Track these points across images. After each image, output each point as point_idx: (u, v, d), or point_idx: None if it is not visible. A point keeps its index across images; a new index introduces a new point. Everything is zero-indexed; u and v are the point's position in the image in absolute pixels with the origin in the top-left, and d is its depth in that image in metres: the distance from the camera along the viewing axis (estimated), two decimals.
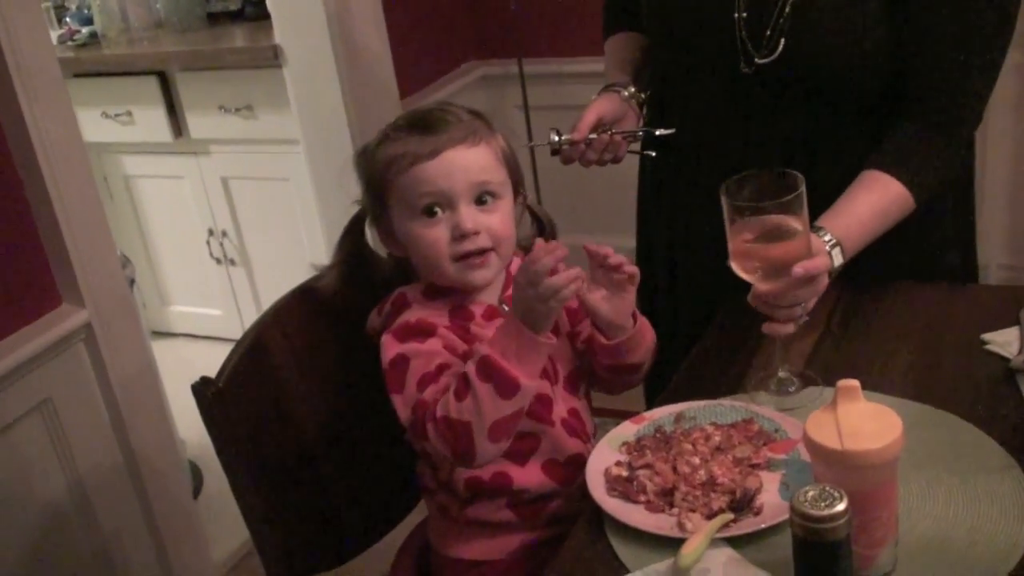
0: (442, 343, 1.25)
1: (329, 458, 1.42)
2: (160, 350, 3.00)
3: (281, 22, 2.78)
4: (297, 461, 1.38)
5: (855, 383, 0.95)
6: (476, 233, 1.25)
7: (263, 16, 3.03)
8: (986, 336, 1.35)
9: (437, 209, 1.25)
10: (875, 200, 1.38)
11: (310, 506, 1.40)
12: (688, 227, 1.63)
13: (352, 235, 1.38)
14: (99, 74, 3.23)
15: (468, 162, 1.25)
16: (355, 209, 1.39)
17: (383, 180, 1.28)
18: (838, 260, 1.32)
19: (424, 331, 1.25)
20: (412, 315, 1.27)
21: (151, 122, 3.19)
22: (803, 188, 1.19)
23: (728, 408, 1.27)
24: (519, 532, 1.33)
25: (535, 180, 3.09)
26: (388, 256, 1.39)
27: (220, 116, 3.08)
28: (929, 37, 1.39)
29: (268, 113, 3.01)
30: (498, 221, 1.27)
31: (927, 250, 1.54)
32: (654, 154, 1.61)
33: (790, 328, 1.27)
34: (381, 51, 2.82)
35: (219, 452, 1.29)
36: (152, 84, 3.13)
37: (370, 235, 1.39)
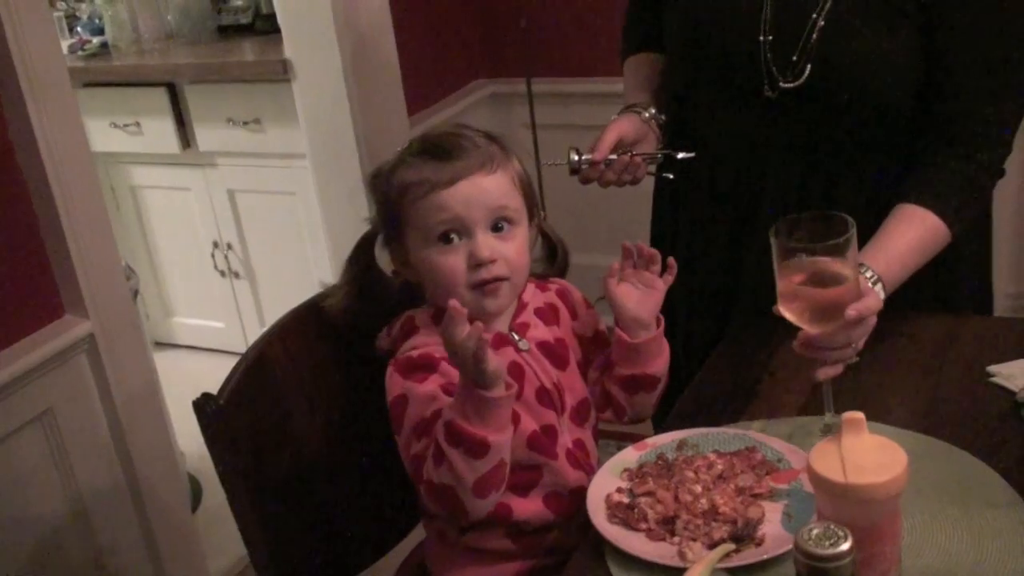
0: (442, 381, 1.24)
1: (329, 477, 1.42)
2: (162, 361, 3.00)
3: (291, 36, 2.78)
4: (297, 479, 1.38)
5: (860, 416, 0.94)
6: (493, 261, 1.25)
7: (274, 30, 3.04)
8: (992, 368, 1.35)
9: (454, 236, 1.25)
10: (913, 236, 1.38)
11: (308, 525, 1.39)
12: (707, 249, 1.62)
13: (361, 254, 1.37)
14: (109, 84, 3.24)
15: (485, 190, 1.25)
16: (363, 224, 1.38)
17: (399, 205, 1.28)
18: (880, 297, 1.30)
19: (425, 367, 1.25)
20: (416, 344, 1.27)
21: (159, 133, 3.19)
22: (854, 231, 1.17)
23: (731, 436, 1.26)
24: (516, 560, 1.32)
25: (542, 197, 3.09)
26: (395, 275, 1.39)
27: (228, 129, 3.09)
28: (962, 66, 1.39)
29: (276, 127, 3.01)
30: (514, 249, 1.27)
31: (944, 278, 1.53)
32: (672, 176, 1.60)
33: (839, 369, 1.26)
34: (390, 67, 2.83)
35: (218, 468, 1.28)
36: (161, 95, 3.13)
37: (379, 255, 1.38)
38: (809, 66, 1.41)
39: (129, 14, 3.39)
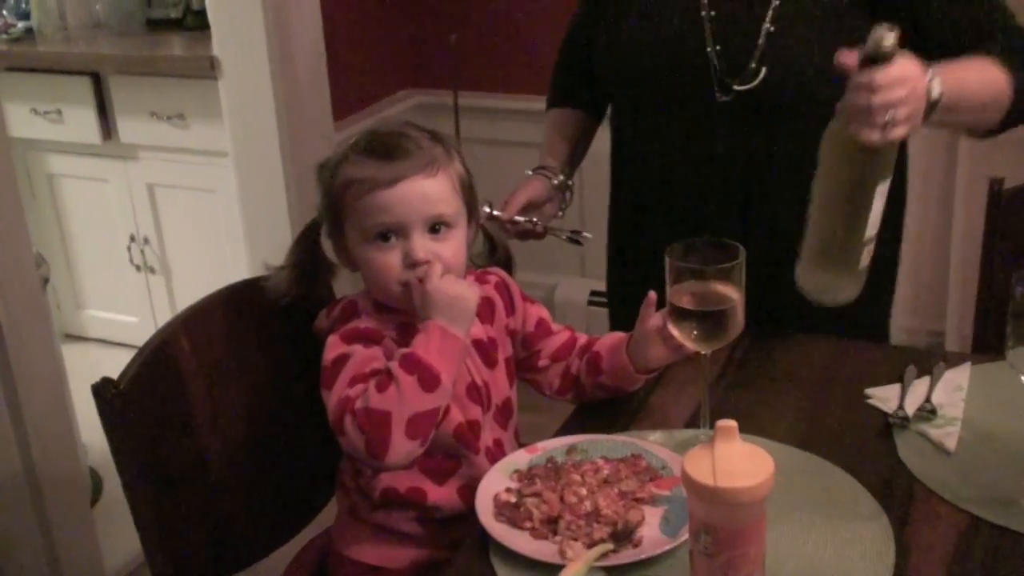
0: (383, 352, 1.28)
1: (229, 468, 1.42)
2: (73, 354, 2.97)
3: (220, 34, 2.79)
4: (195, 469, 1.38)
5: (733, 423, 0.99)
6: (427, 262, 1.28)
7: (203, 27, 3.04)
8: (869, 391, 1.41)
9: (391, 236, 1.29)
10: (976, 67, 1.43)
11: (203, 514, 1.40)
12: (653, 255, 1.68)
13: (307, 239, 1.40)
14: (32, 70, 3.21)
15: (425, 193, 1.28)
16: (281, 224, 1.41)
17: (341, 200, 1.31)
18: (936, 91, 1.31)
19: (371, 338, 1.29)
20: (362, 323, 1.31)
21: (81, 122, 3.17)
22: (743, 259, 1.23)
23: (619, 443, 1.31)
24: (421, 547, 1.36)
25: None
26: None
27: (151, 122, 3.07)
28: (938, 33, 1.47)
29: (200, 123, 3.01)
30: (449, 251, 1.31)
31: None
32: (580, 242, 1.72)
33: (875, 135, 1.22)
34: (318, 71, 2.85)
35: (115, 454, 1.29)
36: (85, 84, 3.11)
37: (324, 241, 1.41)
38: (763, 69, 1.49)
39: (57, 1, 3.36)
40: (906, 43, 1.25)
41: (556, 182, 1.71)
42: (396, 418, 1.19)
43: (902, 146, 1.48)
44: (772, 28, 1.49)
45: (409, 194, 1.28)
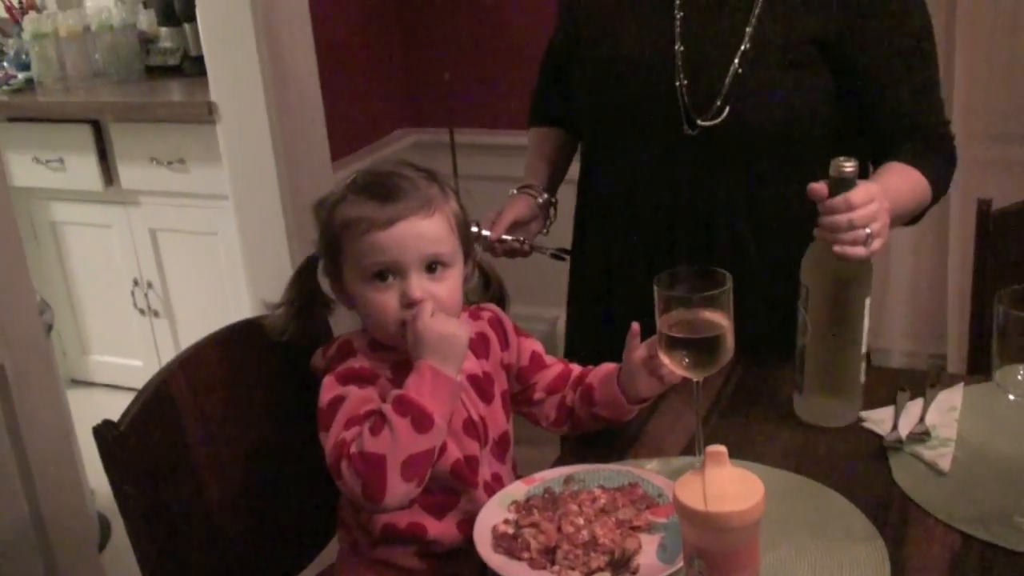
0: (380, 392, 1.29)
1: (231, 507, 1.44)
2: (79, 399, 2.98)
3: (217, 79, 2.83)
4: (196, 509, 1.39)
5: (722, 448, 1.01)
6: (423, 301, 1.29)
7: (201, 73, 3.08)
8: (863, 414, 1.43)
9: (388, 275, 1.30)
10: (904, 176, 1.53)
11: (206, 555, 1.41)
12: (626, 276, 1.71)
13: (304, 275, 1.41)
14: (33, 120, 3.25)
15: (421, 233, 1.30)
16: (283, 265, 1.42)
17: (338, 239, 1.32)
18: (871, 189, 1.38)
19: (366, 379, 1.30)
20: (357, 363, 1.32)
21: (82, 170, 3.21)
22: (730, 285, 1.25)
23: (616, 472, 1.32)
24: None
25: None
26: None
27: (152, 168, 3.11)
28: (877, 75, 1.55)
29: (200, 167, 3.05)
30: (446, 291, 1.32)
31: None
32: (565, 257, 1.81)
33: (860, 251, 1.33)
34: (315, 113, 2.88)
35: (117, 496, 1.30)
36: (85, 132, 3.15)
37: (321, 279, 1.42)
38: (728, 108, 1.53)
39: (56, 52, 3.41)
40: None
41: (541, 200, 1.77)
42: (391, 461, 1.20)
43: None
44: (740, 70, 1.53)
45: (406, 235, 1.29)
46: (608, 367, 1.44)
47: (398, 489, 1.21)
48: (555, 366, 1.48)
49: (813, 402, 1.42)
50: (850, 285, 1.35)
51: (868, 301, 1.37)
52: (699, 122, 1.55)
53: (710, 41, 1.55)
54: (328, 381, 1.31)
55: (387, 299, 1.30)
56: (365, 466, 1.20)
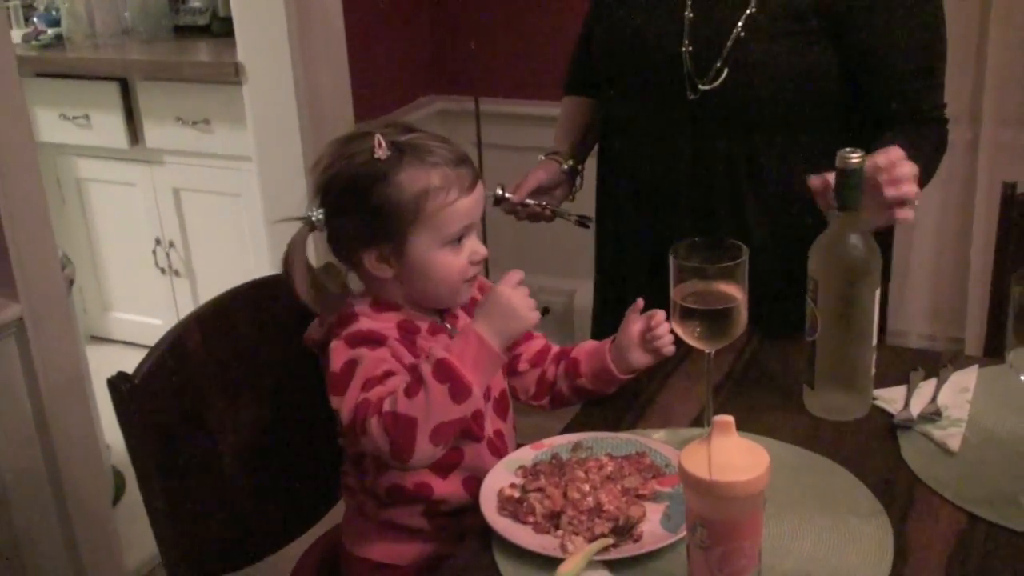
0: (390, 353, 1.30)
1: (242, 462, 1.45)
2: (98, 355, 3.01)
3: (245, 41, 2.83)
4: (209, 462, 1.41)
5: (729, 418, 1.01)
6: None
7: (229, 33, 3.08)
8: (876, 392, 1.42)
9: (463, 237, 1.33)
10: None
11: (216, 508, 1.43)
12: (633, 246, 1.73)
13: (298, 252, 1.38)
14: (61, 75, 3.26)
15: (483, 196, 1.36)
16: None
17: (412, 208, 1.28)
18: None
19: (374, 340, 1.30)
20: (364, 325, 1.32)
21: (108, 127, 3.22)
22: (746, 258, 1.25)
23: (624, 441, 1.33)
24: (429, 541, 1.39)
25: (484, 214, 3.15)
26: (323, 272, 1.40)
27: (177, 127, 3.12)
28: (880, 52, 1.54)
29: (225, 128, 3.05)
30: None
31: None
32: (588, 225, 1.80)
33: (909, 213, 1.37)
34: (340, 77, 2.88)
35: (129, 448, 1.32)
36: (112, 90, 3.16)
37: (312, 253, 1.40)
38: (726, 71, 1.54)
39: (86, 8, 3.42)
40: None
41: (567, 167, 1.79)
42: (422, 425, 1.21)
43: None
44: (743, 34, 1.54)
45: (479, 198, 1.34)
46: (593, 343, 1.46)
47: (425, 451, 1.22)
48: (537, 339, 1.50)
49: (824, 396, 1.40)
50: (860, 277, 1.33)
51: (878, 293, 1.35)
52: (700, 86, 1.57)
53: (718, 7, 1.57)
54: (337, 345, 1.31)
55: (460, 260, 1.33)
56: (396, 426, 1.21)
